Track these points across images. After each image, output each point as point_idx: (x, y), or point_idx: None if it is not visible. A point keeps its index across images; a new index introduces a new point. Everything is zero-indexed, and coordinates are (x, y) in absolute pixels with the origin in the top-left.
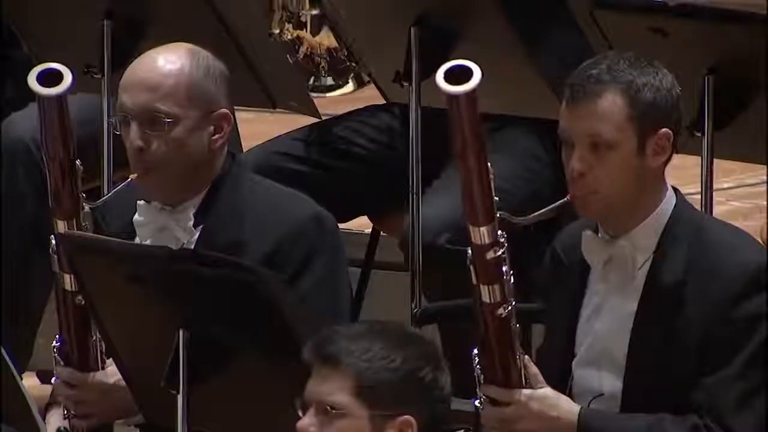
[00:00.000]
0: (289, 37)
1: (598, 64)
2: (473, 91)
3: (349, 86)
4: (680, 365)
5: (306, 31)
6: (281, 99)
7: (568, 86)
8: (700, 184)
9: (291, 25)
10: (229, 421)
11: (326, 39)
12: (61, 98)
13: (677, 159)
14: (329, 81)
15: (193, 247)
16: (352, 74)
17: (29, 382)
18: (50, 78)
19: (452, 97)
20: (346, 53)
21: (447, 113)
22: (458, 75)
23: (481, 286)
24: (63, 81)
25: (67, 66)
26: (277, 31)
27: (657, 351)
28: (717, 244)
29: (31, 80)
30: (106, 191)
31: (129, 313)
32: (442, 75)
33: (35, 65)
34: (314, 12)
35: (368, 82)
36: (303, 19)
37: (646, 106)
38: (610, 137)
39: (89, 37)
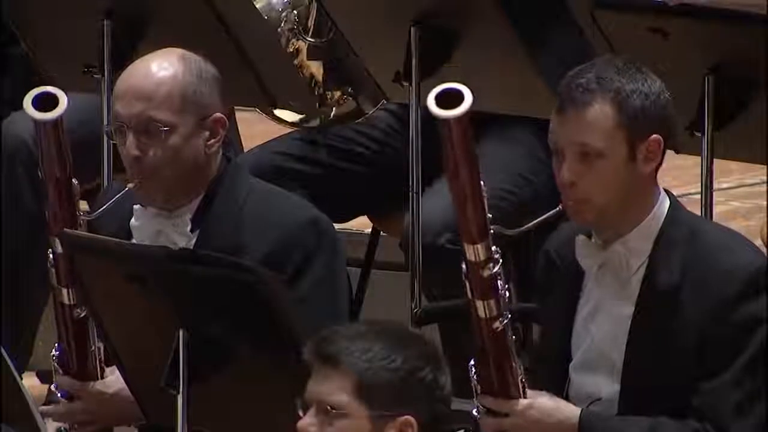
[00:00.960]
0: (290, 49)
1: (585, 72)
2: (465, 114)
3: (294, 117)
4: (678, 369)
5: (305, 45)
6: (281, 99)
7: (556, 95)
8: (700, 184)
9: (294, 39)
10: (229, 421)
11: (315, 68)
12: (56, 122)
13: (677, 159)
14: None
15: None
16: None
17: (29, 382)
18: (46, 101)
19: (444, 121)
20: (321, 92)
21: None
22: (449, 98)
23: (477, 302)
24: (59, 104)
25: (66, 66)
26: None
27: (654, 355)
28: (713, 247)
29: (27, 104)
30: None
31: (129, 314)
32: (433, 99)
33: (34, 65)
34: (311, 40)
35: (316, 127)
36: (309, 23)
37: (635, 113)
38: (599, 146)
39: (89, 37)
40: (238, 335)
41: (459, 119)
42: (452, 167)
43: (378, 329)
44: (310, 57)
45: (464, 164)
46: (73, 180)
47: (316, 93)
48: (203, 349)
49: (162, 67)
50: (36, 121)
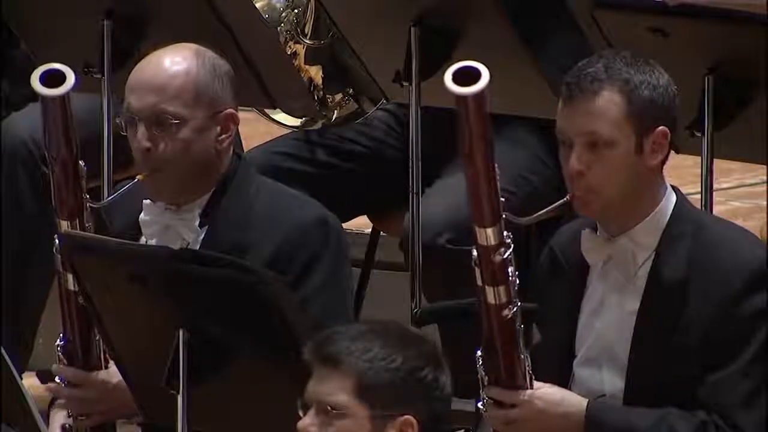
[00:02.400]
0: (288, 52)
1: (594, 62)
2: (482, 92)
3: (296, 121)
4: (683, 364)
5: (302, 48)
6: (281, 99)
7: (564, 85)
8: (700, 184)
9: (293, 41)
10: (229, 421)
11: (314, 72)
12: (63, 99)
13: (677, 159)
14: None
15: (198, 247)
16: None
17: (29, 382)
18: (53, 78)
19: (461, 98)
20: (321, 96)
21: (455, 113)
22: (466, 76)
23: (487, 288)
24: (66, 81)
25: (67, 66)
26: (282, 41)
27: (659, 349)
28: (718, 242)
29: (34, 81)
30: (105, 191)
31: (129, 313)
32: (450, 76)
33: (35, 65)
34: (309, 43)
35: (315, 128)
36: (301, 37)
37: (643, 103)
38: (608, 135)
39: (89, 37)
40: (239, 335)
41: (476, 96)
42: (468, 147)
43: (378, 329)
44: (307, 61)
45: (480, 144)
46: (80, 162)
47: (315, 97)
48: (203, 349)
49: (175, 61)
50: (42, 98)
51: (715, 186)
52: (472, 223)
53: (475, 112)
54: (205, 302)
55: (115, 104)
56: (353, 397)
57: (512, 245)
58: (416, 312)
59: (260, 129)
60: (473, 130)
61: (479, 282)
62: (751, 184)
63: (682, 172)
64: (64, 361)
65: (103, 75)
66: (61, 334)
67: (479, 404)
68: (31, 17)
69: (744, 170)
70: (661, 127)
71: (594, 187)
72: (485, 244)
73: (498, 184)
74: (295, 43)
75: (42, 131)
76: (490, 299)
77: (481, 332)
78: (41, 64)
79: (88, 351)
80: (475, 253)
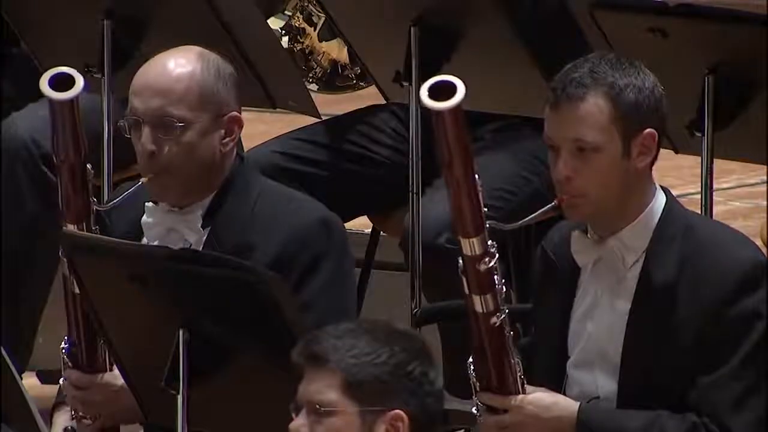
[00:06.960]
0: (297, 24)
1: (579, 67)
2: (458, 106)
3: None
4: (675, 365)
5: (315, 30)
6: (281, 99)
7: (550, 90)
8: (700, 184)
9: (302, 16)
10: (229, 421)
11: (336, 50)
12: (72, 102)
13: (677, 159)
14: (314, 88)
15: (200, 248)
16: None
17: (29, 382)
18: (62, 82)
19: (437, 113)
20: (356, 72)
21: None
22: (442, 90)
23: (474, 296)
24: (75, 85)
25: (66, 66)
26: (290, 13)
27: (651, 351)
28: (709, 243)
29: (43, 84)
30: (106, 191)
31: (129, 313)
32: (426, 91)
33: (35, 65)
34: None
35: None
36: (315, 19)
37: (629, 107)
38: (594, 140)
39: (89, 37)
40: (239, 335)
41: (452, 110)
42: (447, 160)
43: (366, 327)
44: (322, 38)
45: (458, 156)
46: (88, 165)
47: (351, 75)
48: (204, 349)
49: (180, 63)
50: (51, 102)
51: (715, 186)
52: (456, 234)
53: (453, 125)
54: (205, 302)
55: (114, 105)
56: (341, 394)
57: (497, 254)
58: (416, 312)
59: (260, 129)
60: (451, 144)
61: (466, 291)
62: (751, 184)
63: (682, 172)
64: (69, 364)
65: (103, 75)
66: (66, 337)
67: (473, 409)
68: (31, 17)
69: (744, 170)
70: (648, 130)
71: (582, 192)
72: (470, 254)
73: (480, 194)
74: (305, 20)
75: (50, 134)
76: (478, 308)
77: None
78: (41, 64)
79: (93, 354)
80: (461, 262)
